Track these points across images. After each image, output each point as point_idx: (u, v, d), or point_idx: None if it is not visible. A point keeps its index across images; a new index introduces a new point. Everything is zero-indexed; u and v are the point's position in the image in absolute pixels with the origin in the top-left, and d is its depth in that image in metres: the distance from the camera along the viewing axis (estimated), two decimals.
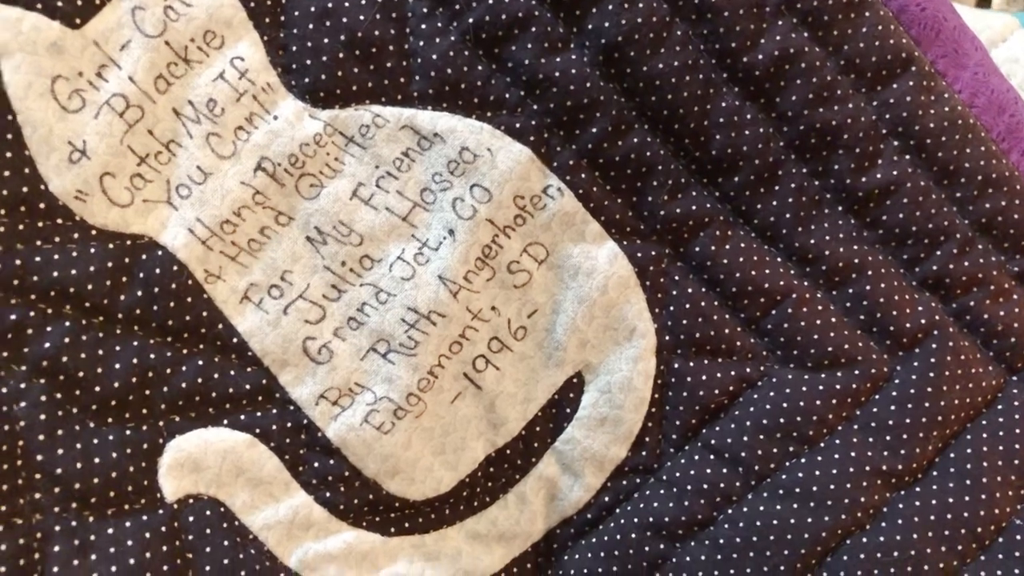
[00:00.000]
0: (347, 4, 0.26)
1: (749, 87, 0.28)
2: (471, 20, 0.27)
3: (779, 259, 0.28)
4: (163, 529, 0.24)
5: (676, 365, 0.28)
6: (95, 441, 0.24)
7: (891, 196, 0.28)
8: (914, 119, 0.28)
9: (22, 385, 0.23)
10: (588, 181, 0.28)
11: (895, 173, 0.28)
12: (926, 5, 0.28)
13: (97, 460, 0.24)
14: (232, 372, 0.26)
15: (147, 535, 0.24)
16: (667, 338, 0.28)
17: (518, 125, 0.27)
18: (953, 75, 0.28)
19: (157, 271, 0.25)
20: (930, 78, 0.28)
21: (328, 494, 0.26)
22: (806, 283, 0.28)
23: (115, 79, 0.24)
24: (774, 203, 0.28)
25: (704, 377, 0.28)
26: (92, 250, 0.24)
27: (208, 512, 0.25)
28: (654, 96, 0.27)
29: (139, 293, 0.25)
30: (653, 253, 0.28)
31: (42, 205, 0.24)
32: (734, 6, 0.27)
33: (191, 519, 0.25)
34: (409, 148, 0.27)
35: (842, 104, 0.28)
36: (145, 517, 0.24)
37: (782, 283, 0.28)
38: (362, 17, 0.26)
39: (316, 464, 0.26)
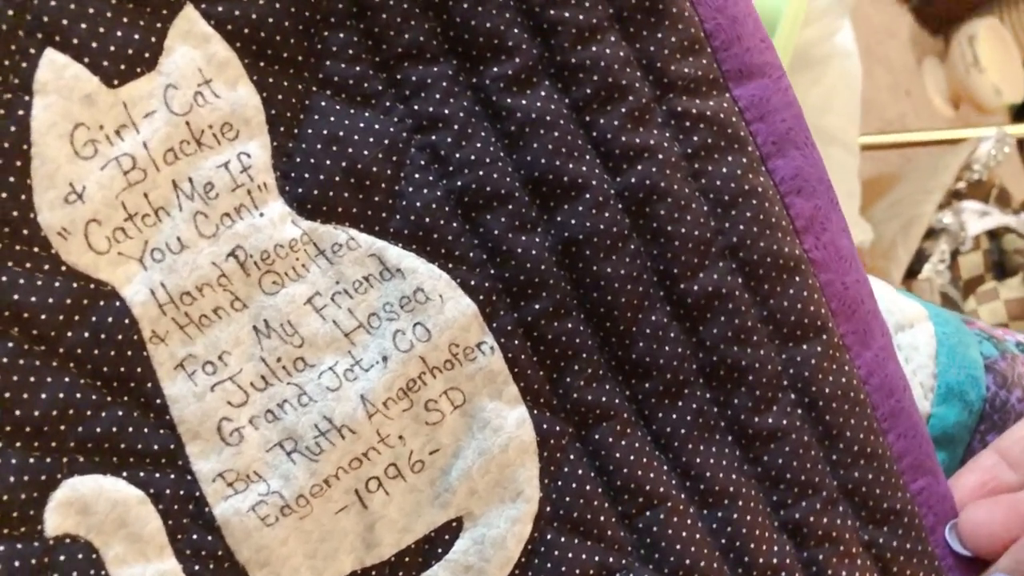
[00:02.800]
0: (356, 137, 0.29)
1: (679, 310, 0.31)
2: (459, 183, 0.30)
3: (665, 467, 0.31)
4: (33, 561, 0.25)
5: (548, 536, 0.30)
6: None
7: (776, 441, 0.31)
8: (813, 381, 0.31)
9: None
10: (519, 348, 0.30)
11: (784, 423, 0.31)
12: (850, 285, 0.32)
13: None
14: (146, 430, 0.27)
15: (16, 563, 0.25)
16: (548, 509, 0.31)
17: (472, 282, 0.30)
18: (857, 352, 0.32)
19: (109, 319, 0.27)
20: (837, 349, 0.31)
21: (197, 567, 0.28)
22: (683, 496, 0.31)
23: (130, 140, 0.27)
24: (674, 416, 0.31)
25: (570, 555, 0.30)
26: (56, 284, 0.26)
27: (80, 555, 0.26)
28: (596, 293, 0.30)
29: (86, 334, 0.26)
30: (557, 428, 0.31)
31: (25, 231, 0.26)
32: (684, 239, 0.30)
33: (62, 558, 0.26)
34: (371, 275, 0.29)
35: (755, 349, 0.31)
36: (20, 545, 0.25)
37: (661, 489, 0.31)
38: (366, 152, 0.29)
39: (195, 536, 0.28)
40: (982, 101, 1.55)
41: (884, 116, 1.51)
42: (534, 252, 0.30)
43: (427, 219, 0.30)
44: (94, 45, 0.26)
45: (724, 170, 0.31)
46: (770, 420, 0.31)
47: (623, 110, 0.30)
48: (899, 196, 1.02)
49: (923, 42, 1.65)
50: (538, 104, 0.30)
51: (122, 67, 0.27)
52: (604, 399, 0.31)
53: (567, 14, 0.30)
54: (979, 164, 1.03)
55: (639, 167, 0.30)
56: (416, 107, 0.30)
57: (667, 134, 0.31)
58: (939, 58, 1.63)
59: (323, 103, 0.29)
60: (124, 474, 0.27)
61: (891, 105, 1.54)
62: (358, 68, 0.29)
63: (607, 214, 0.30)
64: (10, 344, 0.25)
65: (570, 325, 0.31)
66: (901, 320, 0.37)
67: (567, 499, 0.31)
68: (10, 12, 0.25)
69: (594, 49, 0.30)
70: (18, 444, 0.26)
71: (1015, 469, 0.33)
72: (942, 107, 1.61)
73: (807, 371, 0.31)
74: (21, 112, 0.25)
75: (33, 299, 0.26)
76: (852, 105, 0.90)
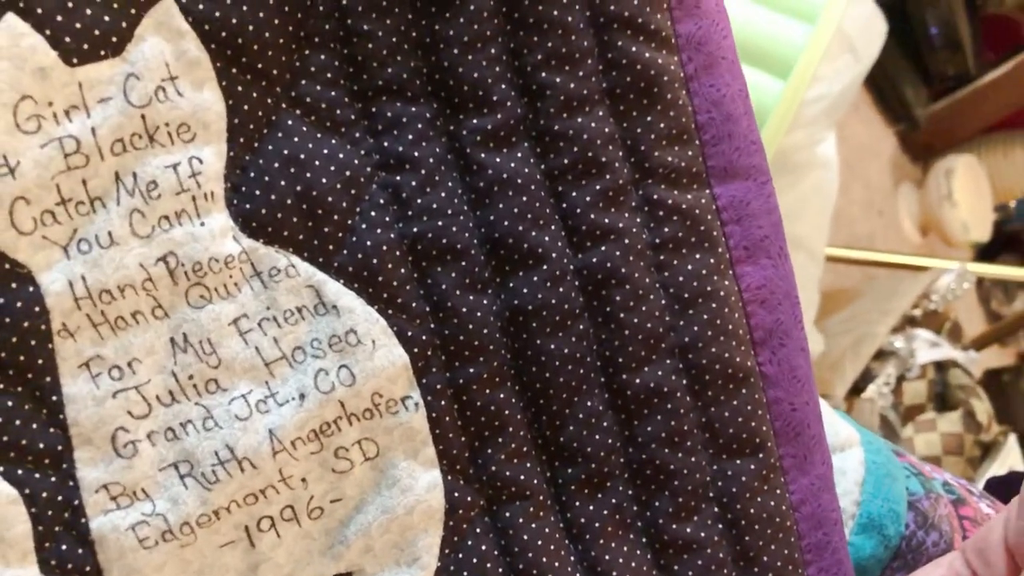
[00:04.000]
0: (317, 162, 0.28)
1: (617, 401, 0.30)
2: (415, 229, 0.29)
3: (572, 558, 0.30)
4: None
5: None
6: None
7: (691, 553, 0.30)
8: (740, 499, 0.30)
9: None
10: (445, 410, 0.29)
11: (702, 535, 0.30)
12: (799, 407, 0.31)
13: None
14: (34, 425, 0.25)
15: None
16: None
17: (410, 333, 0.29)
18: (793, 476, 0.31)
19: (18, 304, 0.25)
20: (772, 470, 0.30)
21: None
22: None
23: (79, 123, 0.25)
24: (591, 508, 0.30)
25: None
26: None
27: None
28: (535, 368, 0.29)
29: None
30: (469, 499, 0.29)
31: None
32: (635, 330, 0.29)
33: None
34: (305, 306, 0.28)
35: (687, 455, 0.30)
36: None
37: None
38: (324, 180, 0.28)
39: (64, 547, 0.26)
40: (950, 234, 1.58)
41: (853, 231, 1.53)
42: (479, 314, 0.29)
43: (375, 260, 0.28)
44: (59, 18, 0.25)
45: (689, 267, 0.30)
46: (688, 530, 0.30)
47: (598, 187, 0.29)
48: (855, 312, 1.02)
49: (903, 167, 1.68)
50: (512, 165, 0.29)
51: (85, 46, 0.25)
52: (523, 477, 0.30)
53: (558, 79, 0.29)
54: (937, 295, 1.04)
55: (603, 248, 0.29)
56: (386, 144, 0.29)
57: (638, 220, 0.30)
58: (916, 185, 1.67)
59: (290, 122, 0.28)
60: (0, 468, 0.25)
61: (862, 222, 1.56)
62: (333, 93, 0.28)
63: (561, 290, 0.29)
64: None
65: (502, 395, 0.29)
66: (834, 443, 0.36)
67: (465, 574, 0.29)
68: None
69: (579, 120, 0.29)
70: None
71: None
72: (911, 232, 1.64)
73: (735, 487, 0.30)
74: None
75: None
76: (824, 216, 0.91)
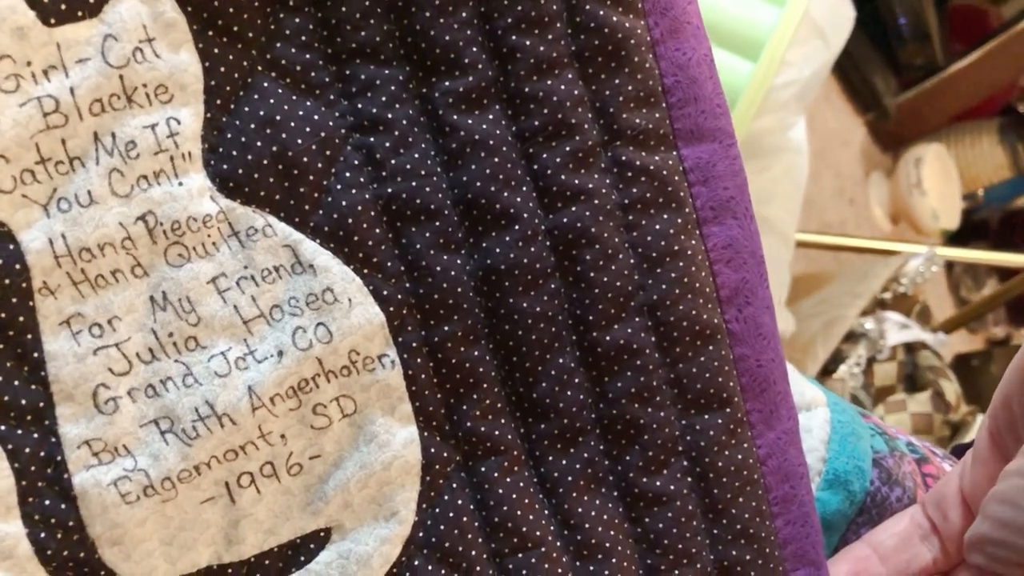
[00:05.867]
0: (292, 124, 0.28)
1: (587, 358, 0.30)
2: (389, 190, 0.29)
3: (546, 512, 0.31)
4: None
5: (416, 563, 0.30)
6: None
7: (660, 505, 0.31)
8: (708, 452, 0.31)
9: None
10: (420, 367, 0.30)
11: (672, 488, 0.31)
12: (764, 363, 0.32)
13: None
14: (16, 382, 0.26)
15: None
16: (420, 535, 0.30)
17: (385, 292, 0.29)
18: (759, 431, 0.32)
19: (0, 262, 0.25)
20: (739, 424, 0.31)
21: (43, 535, 0.26)
22: (558, 544, 0.30)
23: (57, 83, 0.26)
24: (563, 462, 0.31)
25: None
26: None
27: None
28: (508, 326, 0.30)
29: None
30: (445, 455, 0.30)
31: None
32: (605, 288, 0.30)
33: None
34: (281, 266, 0.29)
35: (656, 410, 0.31)
36: None
37: (538, 533, 0.30)
38: (300, 141, 0.28)
39: (47, 502, 0.26)
40: (920, 222, 1.60)
41: (825, 219, 1.54)
42: (453, 273, 0.30)
43: (350, 220, 0.29)
44: None
45: (657, 227, 0.31)
46: (658, 483, 0.31)
47: (567, 148, 0.30)
48: (826, 295, 1.04)
49: (873, 156, 1.70)
50: (484, 127, 0.30)
51: (62, 7, 0.26)
52: (497, 433, 0.30)
53: (528, 42, 0.29)
54: (907, 279, 1.06)
55: (573, 208, 0.30)
56: (360, 106, 0.29)
57: (607, 181, 0.30)
58: (886, 173, 1.69)
59: (265, 84, 0.28)
60: None
61: (833, 210, 1.58)
62: (308, 56, 0.29)
63: (533, 249, 0.30)
64: None
65: (476, 353, 0.30)
66: (799, 402, 0.37)
67: (441, 528, 0.30)
68: None
69: (549, 83, 0.30)
70: None
71: (884, 563, 0.33)
72: (881, 220, 1.66)
73: (704, 441, 0.31)
74: None
75: None
76: (794, 199, 0.92)
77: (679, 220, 0.31)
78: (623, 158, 0.31)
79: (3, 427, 0.26)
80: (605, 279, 0.30)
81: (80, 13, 0.26)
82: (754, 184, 0.93)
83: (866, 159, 1.69)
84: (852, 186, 1.64)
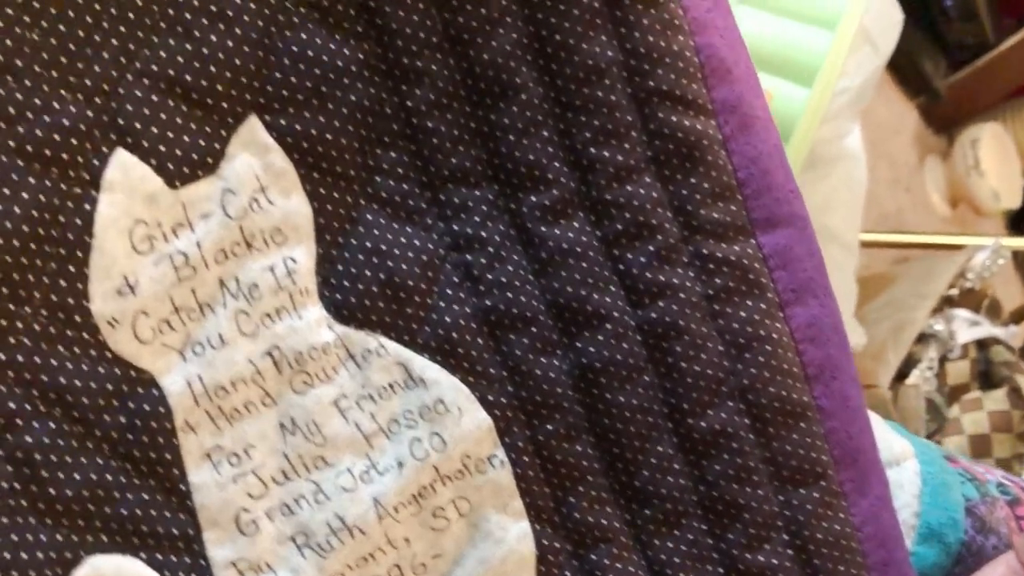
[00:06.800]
0: (397, 251, 0.30)
1: (685, 444, 0.32)
2: (488, 302, 0.31)
3: None
4: None
5: None
6: (28, 536, 0.26)
7: None
8: (807, 525, 0.32)
9: None
10: (528, 465, 0.32)
11: (775, 562, 0.32)
12: (854, 435, 0.33)
13: (23, 555, 0.26)
14: (167, 514, 0.28)
15: None
16: None
17: (490, 397, 0.31)
18: (854, 499, 0.33)
19: (146, 406, 0.28)
20: (834, 496, 0.33)
21: None
22: None
23: (185, 239, 0.28)
24: (670, 545, 0.32)
25: None
26: (100, 370, 0.27)
27: None
28: (607, 420, 0.32)
29: (121, 419, 0.28)
30: (557, 545, 0.32)
31: (77, 318, 0.27)
32: (697, 377, 0.32)
33: None
34: (395, 382, 0.31)
35: (754, 489, 0.32)
36: None
37: None
38: (405, 266, 0.30)
39: None
40: (980, 204, 1.58)
41: (882, 210, 1.53)
42: (552, 374, 0.32)
43: (455, 334, 0.31)
44: (162, 148, 0.28)
45: (743, 314, 0.32)
46: (761, 558, 0.32)
47: (651, 248, 0.32)
48: (892, 298, 1.04)
49: (927, 140, 1.68)
50: (570, 235, 0.31)
51: (185, 170, 0.28)
52: (605, 522, 0.32)
53: (606, 153, 0.31)
54: (973, 273, 1.05)
55: (661, 304, 0.32)
56: (455, 227, 0.31)
57: (691, 274, 0.32)
58: (941, 157, 1.67)
59: (369, 216, 0.30)
60: (143, 556, 0.28)
61: (890, 199, 1.57)
62: (405, 186, 0.31)
63: (625, 345, 0.32)
64: (51, 424, 0.27)
65: (579, 447, 0.32)
66: (888, 457, 0.38)
67: None
68: (89, 113, 0.27)
69: (628, 188, 0.32)
70: (48, 521, 0.27)
71: None
72: (940, 205, 1.64)
73: (802, 515, 0.32)
74: (87, 207, 0.27)
75: (77, 382, 0.27)
76: (855, 207, 0.92)
77: (763, 305, 0.32)
78: (704, 251, 0.32)
79: (158, 555, 0.28)
80: (696, 368, 0.32)
81: (200, 173, 0.28)
82: (813, 195, 0.94)
83: (920, 145, 1.67)
84: (907, 174, 1.62)
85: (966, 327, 1.01)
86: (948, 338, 0.98)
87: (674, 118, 0.31)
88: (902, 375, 0.96)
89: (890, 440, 0.39)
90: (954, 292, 1.05)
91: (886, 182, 1.58)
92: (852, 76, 0.90)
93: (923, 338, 0.99)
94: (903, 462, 0.38)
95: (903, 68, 1.61)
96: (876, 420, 0.39)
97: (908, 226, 1.54)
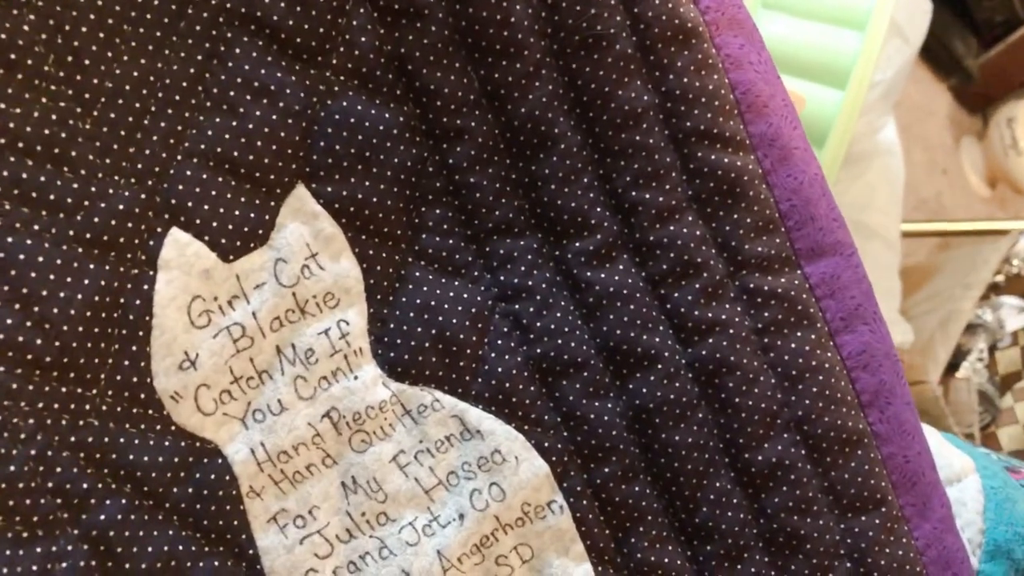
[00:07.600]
0: (446, 305, 0.31)
1: (743, 478, 0.32)
2: (538, 350, 0.32)
3: None
4: None
5: None
6: None
7: None
8: (871, 552, 0.32)
9: (69, 547, 0.26)
10: (587, 508, 0.32)
11: None
12: (912, 458, 0.33)
13: None
14: None
15: None
16: None
17: (546, 444, 0.32)
18: (916, 523, 0.33)
19: (212, 476, 0.29)
20: (895, 521, 0.33)
21: None
22: None
23: (241, 310, 0.29)
24: None
25: None
26: (167, 443, 0.28)
27: None
28: (664, 459, 0.32)
29: (190, 490, 0.28)
30: None
31: (142, 395, 0.28)
32: (751, 411, 0.32)
33: None
34: (452, 435, 0.31)
35: (815, 519, 0.32)
36: None
37: None
38: (455, 320, 0.31)
39: None
40: (1019, 182, 1.56)
41: (920, 194, 1.52)
42: (606, 418, 0.32)
43: (507, 383, 0.31)
44: (214, 224, 0.28)
45: (793, 345, 0.32)
46: None
47: (697, 286, 0.32)
48: (937, 289, 1.03)
49: (961, 121, 1.66)
50: (616, 278, 0.32)
51: (237, 243, 0.29)
52: (667, 560, 0.32)
53: (647, 195, 0.31)
54: (1018, 259, 1.04)
55: (710, 340, 0.32)
56: (502, 277, 0.32)
57: (739, 309, 0.32)
58: (977, 137, 1.65)
59: (417, 273, 0.31)
60: None
61: (927, 183, 1.55)
62: (451, 241, 0.31)
63: (678, 384, 0.32)
64: (123, 501, 0.27)
65: (637, 488, 0.32)
66: (949, 475, 0.38)
67: None
68: (142, 195, 0.27)
69: (671, 228, 0.32)
70: None
71: None
72: (978, 186, 1.62)
73: (864, 542, 0.32)
74: (146, 286, 0.27)
75: (145, 458, 0.28)
76: (894, 202, 0.91)
77: (812, 335, 0.32)
78: (751, 285, 0.32)
79: None
80: (750, 402, 0.32)
81: (252, 244, 0.29)
82: (850, 192, 0.93)
83: (954, 126, 1.65)
84: (943, 156, 1.60)
85: (1014, 314, 0.99)
86: (997, 327, 0.97)
87: (713, 156, 0.31)
88: (952, 367, 0.95)
89: (950, 456, 0.38)
90: (1000, 279, 1.04)
91: (922, 166, 1.56)
92: (883, 69, 0.90)
93: (971, 328, 0.97)
94: (964, 478, 0.38)
95: (933, 50, 1.60)
96: (934, 435, 0.38)
97: (947, 209, 1.53)
